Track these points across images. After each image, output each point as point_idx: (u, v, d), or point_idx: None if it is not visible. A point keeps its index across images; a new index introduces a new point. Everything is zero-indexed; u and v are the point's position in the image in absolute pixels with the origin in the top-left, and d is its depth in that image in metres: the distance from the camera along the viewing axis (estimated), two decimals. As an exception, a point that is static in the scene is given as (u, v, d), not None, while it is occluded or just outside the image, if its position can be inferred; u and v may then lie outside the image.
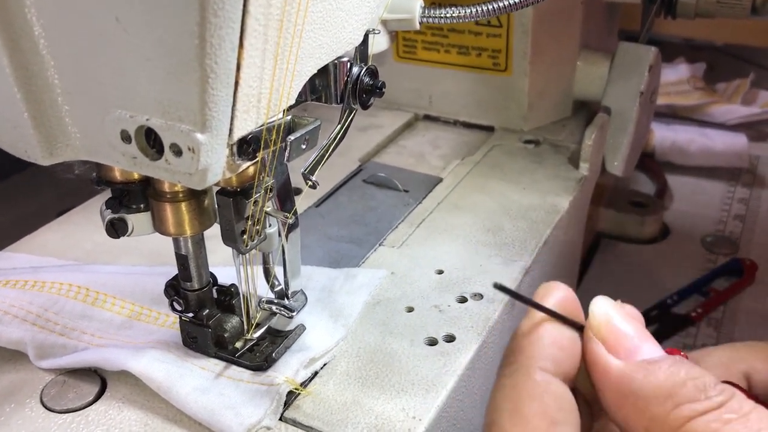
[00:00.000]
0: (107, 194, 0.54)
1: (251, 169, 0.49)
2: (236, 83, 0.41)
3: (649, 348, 0.38)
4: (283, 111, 0.47)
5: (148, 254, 0.69)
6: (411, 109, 0.95)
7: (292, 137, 0.45)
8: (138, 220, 0.53)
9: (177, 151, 0.41)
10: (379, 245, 0.69)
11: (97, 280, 0.61)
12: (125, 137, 0.43)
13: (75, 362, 0.54)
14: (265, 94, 0.44)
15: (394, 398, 0.52)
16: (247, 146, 0.44)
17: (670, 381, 0.36)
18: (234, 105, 0.42)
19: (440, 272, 0.64)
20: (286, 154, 0.45)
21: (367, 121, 0.93)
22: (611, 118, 0.85)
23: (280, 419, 0.51)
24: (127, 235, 0.54)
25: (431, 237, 0.69)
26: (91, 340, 0.57)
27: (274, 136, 0.46)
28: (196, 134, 0.40)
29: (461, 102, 0.92)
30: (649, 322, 0.89)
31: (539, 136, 0.88)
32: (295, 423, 0.50)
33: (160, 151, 0.42)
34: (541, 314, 0.40)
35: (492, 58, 0.87)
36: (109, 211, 0.53)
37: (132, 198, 0.53)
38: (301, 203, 0.76)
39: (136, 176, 0.52)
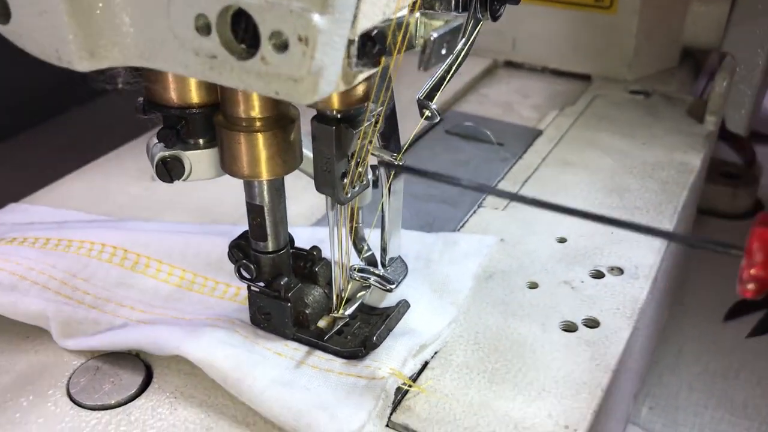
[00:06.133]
0: (142, 141, 0.41)
1: (360, 89, 0.36)
2: (372, -58, 0.28)
3: None
4: (410, 5, 0.34)
5: (195, 211, 0.56)
6: (489, 54, 0.82)
7: (435, 34, 0.32)
8: (198, 159, 0.41)
9: (280, 44, 0.28)
10: (479, 206, 0.56)
11: (137, 240, 0.48)
12: (202, 27, 0.30)
13: (111, 343, 0.42)
14: (400, -30, 0.31)
15: (535, 400, 0.39)
16: (371, 45, 0.31)
17: None
18: (364, -22, 0.29)
19: (562, 240, 0.52)
20: (424, 58, 0.32)
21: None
22: (733, 66, 0.72)
23: (387, 425, 0.38)
24: (183, 179, 0.41)
25: (542, 197, 0.56)
26: (130, 314, 0.44)
27: (399, 38, 0.33)
28: (313, 16, 0.27)
29: (552, 46, 0.78)
30: (756, 307, 0.77)
31: (646, 86, 0.75)
32: (407, 430, 0.38)
33: (253, 45, 0.29)
34: None
35: (595, -7, 0.73)
36: (161, 145, 0.40)
37: (192, 129, 0.40)
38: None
39: (196, 99, 0.39)
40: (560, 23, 0.76)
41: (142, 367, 0.42)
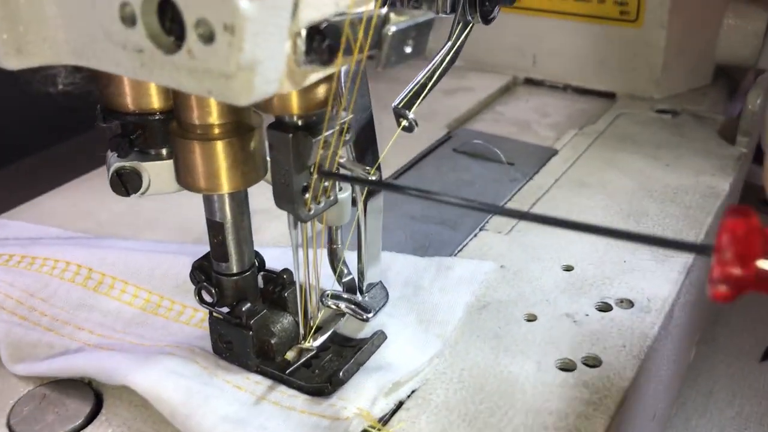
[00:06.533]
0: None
1: (321, 92, 0.32)
2: None
3: None
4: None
5: (178, 229, 0.53)
6: (508, 71, 0.77)
7: (394, 27, 0.28)
8: (157, 171, 0.37)
9: (206, 35, 0.25)
10: (480, 229, 0.51)
11: (105, 259, 0.45)
12: (128, 17, 0.27)
13: (60, 369, 0.38)
14: (353, -46, 0.27)
15: (520, 450, 0.34)
16: (320, 40, 0.27)
17: None
18: (303, -40, 0.25)
19: (568, 268, 0.47)
20: (382, 55, 0.28)
21: (453, 83, 0.76)
22: (771, 84, 0.66)
23: (349, 473, 0.34)
24: (141, 193, 0.38)
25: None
26: (88, 338, 0.41)
27: (360, 35, 0.29)
28: (239, 1, 0.23)
29: (575, 62, 0.74)
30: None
31: (675, 105, 0.69)
32: (371, 480, 0.33)
33: (182, 37, 0.26)
34: None
35: (619, 5, 0.69)
36: (115, 155, 0.37)
37: (149, 138, 0.37)
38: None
39: (155, 104, 0.36)
40: (583, 38, 0.72)
41: (91, 397, 0.38)
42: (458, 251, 0.49)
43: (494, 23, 0.76)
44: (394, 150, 0.62)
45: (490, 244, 0.50)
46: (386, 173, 0.59)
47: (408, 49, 0.29)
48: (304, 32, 0.27)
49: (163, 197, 0.55)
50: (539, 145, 0.63)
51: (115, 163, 0.37)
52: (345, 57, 0.29)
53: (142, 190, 0.38)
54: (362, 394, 0.36)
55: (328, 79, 0.32)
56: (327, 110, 0.31)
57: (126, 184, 0.37)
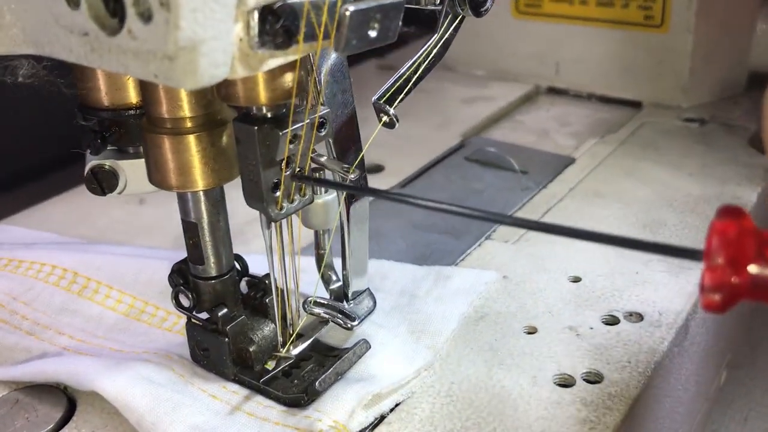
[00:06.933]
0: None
1: (290, 80, 0.30)
2: None
3: None
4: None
5: (177, 236, 0.51)
6: (531, 80, 0.75)
7: (352, 7, 0.26)
8: (133, 170, 0.36)
9: (145, 13, 0.23)
10: (486, 238, 0.49)
11: (91, 263, 0.44)
12: (72, -1, 0.25)
13: (33, 374, 0.37)
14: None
15: (505, 470, 0.32)
16: (273, 21, 0.25)
17: None
18: (248, -69, 0.23)
19: (576, 280, 0.44)
20: (341, 38, 0.26)
21: (473, 93, 0.73)
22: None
23: (320, 490, 0.32)
24: (119, 192, 0.37)
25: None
26: (68, 343, 0.40)
27: (324, 18, 0.27)
28: (172, -26, 0.22)
29: (599, 70, 0.71)
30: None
31: (704, 114, 0.66)
32: (342, 498, 0.31)
33: (123, 18, 0.24)
34: None
35: (643, 10, 0.66)
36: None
37: (126, 135, 0.36)
38: (381, 182, 0.57)
39: (131, 99, 0.35)
40: (608, 44, 0.69)
41: (63, 403, 0.37)
42: (460, 261, 0.47)
43: (518, 31, 0.74)
44: (403, 158, 0.60)
45: (494, 254, 0.47)
46: (394, 181, 0.57)
47: (372, 33, 0.27)
48: (256, 12, 0.25)
49: (163, 204, 0.54)
50: (557, 154, 0.60)
51: (91, 162, 0.36)
52: (306, 42, 0.27)
53: (118, 189, 0.37)
54: (339, 406, 0.34)
55: (295, 66, 0.30)
56: (291, 100, 0.30)
57: (101, 183, 0.36)
